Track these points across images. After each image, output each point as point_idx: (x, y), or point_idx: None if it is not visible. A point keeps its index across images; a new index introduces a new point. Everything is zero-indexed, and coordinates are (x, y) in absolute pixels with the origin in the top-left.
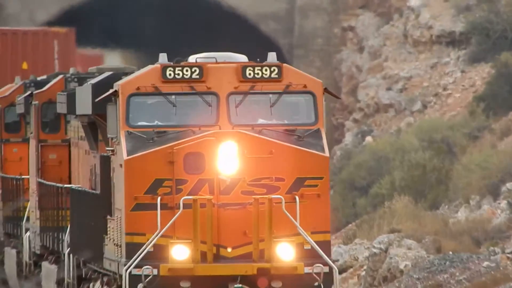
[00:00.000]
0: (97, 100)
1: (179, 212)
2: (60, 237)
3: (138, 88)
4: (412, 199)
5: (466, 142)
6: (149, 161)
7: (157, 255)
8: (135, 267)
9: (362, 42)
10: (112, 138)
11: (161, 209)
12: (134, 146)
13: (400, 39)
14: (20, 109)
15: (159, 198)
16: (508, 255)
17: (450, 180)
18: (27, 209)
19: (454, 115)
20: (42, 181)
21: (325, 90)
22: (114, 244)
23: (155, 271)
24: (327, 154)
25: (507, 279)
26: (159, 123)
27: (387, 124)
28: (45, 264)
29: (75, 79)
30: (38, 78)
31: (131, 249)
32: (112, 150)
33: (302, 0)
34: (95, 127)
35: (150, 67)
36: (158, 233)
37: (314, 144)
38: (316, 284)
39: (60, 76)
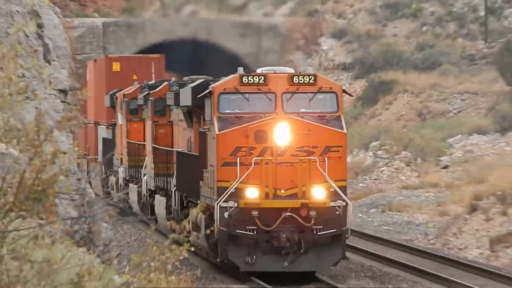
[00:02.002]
0: (198, 96)
1: (251, 168)
2: (169, 180)
3: (224, 89)
4: None
5: (352, 121)
6: (232, 135)
7: (237, 194)
8: (223, 201)
9: (296, 69)
10: (207, 120)
11: (239, 165)
12: (222, 126)
13: (317, 66)
14: (140, 101)
15: (238, 159)
16: (372, 180)
17: None
18: (145, 162)
19: (345, 107)
20: (156, 146)
21: (344, 91)
22: (209, 187)
23: (236, 204)
24: (345, 131)
25: (372, 193)
26: (238, 111)
27: None
28: (157, 196)
29: (176, 84)
30: (149, 83)
31: (221, 190)
32: (208, 128)
33: (264, 45)
34: (191, 114)
35: (232, 76)
36: (238, 180)
37: (336, 125)
38: (337, 213)
39: (166, 82)
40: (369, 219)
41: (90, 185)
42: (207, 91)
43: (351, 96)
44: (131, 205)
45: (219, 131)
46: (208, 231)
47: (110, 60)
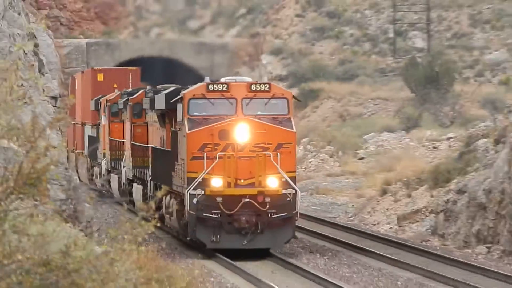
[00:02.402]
0: (171, 101)
1: (216, 161)
2: (145, 171)
3: (194, 95)
4: None
5: None
6: (200, 134)
7: (204, 184)
8: (192, 190)
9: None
10: (179, 121)
11: (206, 159)
12: (192, 126)
13: (258, 79)
14: (120, 106)
15: (205, 153)
16: (303, 169)
17: None
18: (124, 156)
19: None
20: (134, 143)
21: (293, 97)
22: (180, 177)
23: (203, 192)
24: (294, 130)
25: (302, 179)
26: (205, 114)
27: None
28: (135, 185)
29: (151, 91)
30: (128, 90)
31: (190, 180)
32: (179, 128)
33: (216, 60)
34: (164, 116)
35: (200, 84)
36: (204, 171)
37: (287, 125)
38: (288, 199)
39: (142, 90)
40: (301, 201)
41: (78, 174)
42: (178, 96)
43: (299, 101)
44: (112, 191)
45: (188, 130)
46: (179, 215)
47: (95, 72)
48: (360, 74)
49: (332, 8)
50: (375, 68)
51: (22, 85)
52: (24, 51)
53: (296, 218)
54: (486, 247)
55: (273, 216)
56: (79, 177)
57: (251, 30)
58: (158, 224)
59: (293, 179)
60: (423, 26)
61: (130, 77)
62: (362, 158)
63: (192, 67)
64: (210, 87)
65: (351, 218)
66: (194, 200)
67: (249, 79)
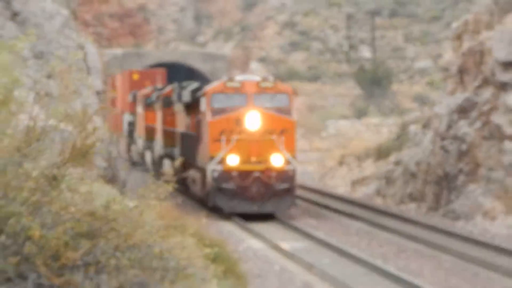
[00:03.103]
0: (196, 95)
1: (232, 143)
2: (173, 150)
3: (214, 90)
4: None
5: None
6: (219, 122)
7: (222, 161)
8: (213, 166)
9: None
10: (202, 111)
11: (225, 142)
12: (213, 115)
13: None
14: (153, 98)
15: (223, 137)
16: None
17: None
18: (156, 138)
19: None
20: (165, 127)
21: (293, 91)
22: (203, 156)
23: (222, 168)
24: (294, 119)
25: None
26: (223, 105)
27: None
28: (165, 161)
29: (178, 87)
30: (159, 87)
31: (211, 158)
32: (203, 117)
33: (217, 66)
34: (189, 106)
35: (219, 80)
36: (223, 152)
37: (289, 115)
38: (289, 174)
39: (170, 86)
40: None
41: (119, 150)
42: (202, 91)
43: (296, 95)
44: (147, 164)
45: (210, 119)
46: (201, 185)
47: (132, 73)
48: (323, 77)
49: (303, 28)
50: (334, 72)
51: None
52: (77, 58)
53: (295, 189)
54: (416, 204)
55: (277, 187)
56: (119, 152)
57: (243, 44)
58: (176, 186)
59: (293, 157)
60: (369, 42)
61: (158, 76)
62: (325, 138)
63: (199, 70)
64: (228, 84)
65: (317, 183)
66: (215, 174)
67: (259, 78)
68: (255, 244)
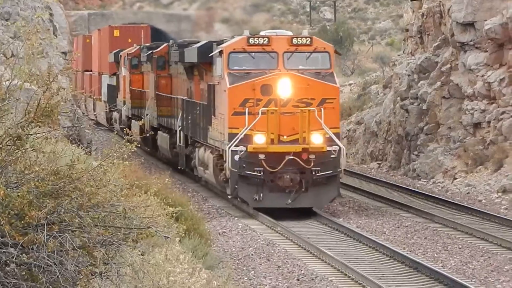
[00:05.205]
0: (210, 55)
1: (258, 117)
2: (172, 121)
3: (234, 49)
4: None
5: None
6: (241, 89)
7: (246, 140)
8: (234, 146)
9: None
10: (217, 75)
11: (248, 115)
12: (233, 80)
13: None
14: (143, 58)
15: (247, 109)
16: None
17: None
18: (147, 105)
19: None
20: (160, 93)
21: (335, 51)
22: (218, 132)
23: (245, 149)
24: (338, 85)
25: None
26: (245, 68)
27: None
28: (160, 133)
29: (174, 45)
30: (147, 45)
31: (231, 136)
32: (218, 82)
33: (182, 27)
34: (192, 68)
35: (239, 37)
36: (247, 127)
37: (330, 80)
38: (332, 156)
39: (165, 44)
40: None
41: (96, 117)
42: (218, 50)
43: (340, 55)
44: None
45: (230, 85)
46: (216, 170)
47: (112, 28)
48: None
49: None
50: (296, 33)
51: (41, 43)
52: (43, 19)
53: (341, 176)
54: (377, 163)
55: (317, 174)
56: (96, 119)
57: (207, 5)
58: (138, 145)
59: (337, 135)
60: (331, 2)
61: (142, 33)
62: None
63: (164, 32)
64: (251, 40)
65: None
66: (236, 157)
67: (290, 33)
68: (219, 202)
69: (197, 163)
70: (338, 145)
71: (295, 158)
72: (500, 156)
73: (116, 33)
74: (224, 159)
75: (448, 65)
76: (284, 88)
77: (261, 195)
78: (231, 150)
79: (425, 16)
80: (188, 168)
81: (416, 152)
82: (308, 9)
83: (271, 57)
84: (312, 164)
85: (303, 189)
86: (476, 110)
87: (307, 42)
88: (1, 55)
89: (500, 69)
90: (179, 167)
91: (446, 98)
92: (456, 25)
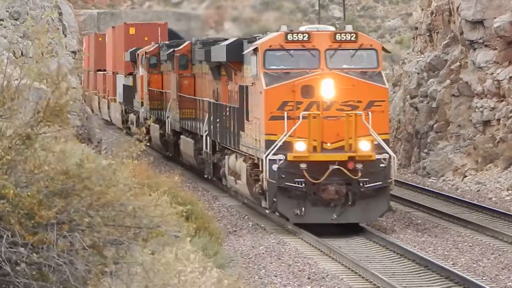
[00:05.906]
0: (243, 53)
1: (299, 122)
2: (197, 125)
3: (270, 46)
4: None
5: None
6: (279, 90)
7: (285, 148)
8: (272, 154)
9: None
10: (251, 76)
11: (287, 119)
12: (269, 81)
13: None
14: (163, 57)
15: (286, 113)
16: None
17: None
18: (168, 107)
19: None
20: (182, 94)
21: (383, 48)
22: (253, 138)
23: (284, 157)
24: (386, 86)
25: None
26: (283, 67)
27: None
28: (183, 137)
29: (198, 43)
30: (167, 43)
31: (268, 143)
32: (252, 83)
33: (191, 26)
34: (219, 68)
35: (276, 33)
36: (286, 134)
37: (378, 80)
38: (382, 165)
39: (188, 42)
40: None
41: (110, 118)
42: (252, 47)
43: (389, 52)
44: (153, 140)
45: (266, 86)
46: (250, 180)
47: (128, 26)
48: None
49: None
50: None
51: (50, 43)
52: (52, 18)
53: (391, 187)
54: None
55: (365, 186)
56: (111, 120)
57: (217, 4)
58: (148, 144)
59: (387, 142)
60: (340, 1)
61: (159, 31)
62: None
63: (173, 31)
64: (289, 36)
65: None
66: (274, 167)
67: (333, 28)
68: (229, 201)
69: (227, 172)
70: (388, 153)
71: (340, 167)
72: (510, 154)
73: (132, 31)
74: (260, 169)
75: (458, 63)
76: (328, 89)
77: (303, 209)
78: (269, 159)
79: (434, 14)
80: (216, 177)
81: (426, 150)
82: (317, 8)
83: (312, 55)
84: (360, 174)
85: (349, 203)
86: (485, 108)
87: (352, 38)
88: (11, 54)
89: (510, 66)
90: (205, 175)
91: (456, 96)
92: (465, 23)
